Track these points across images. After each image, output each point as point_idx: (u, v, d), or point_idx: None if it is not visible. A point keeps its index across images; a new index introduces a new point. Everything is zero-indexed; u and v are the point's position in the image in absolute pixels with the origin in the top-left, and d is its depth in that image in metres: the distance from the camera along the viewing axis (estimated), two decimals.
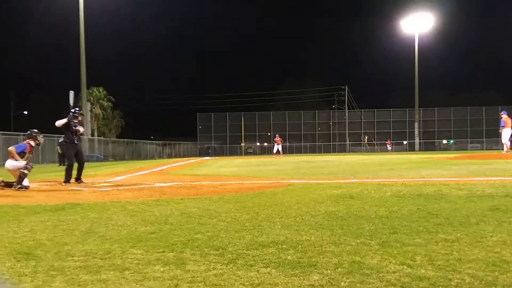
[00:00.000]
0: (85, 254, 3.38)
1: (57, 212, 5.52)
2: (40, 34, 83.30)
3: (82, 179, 10.29)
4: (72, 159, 10.18)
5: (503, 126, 21.07)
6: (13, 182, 8.85)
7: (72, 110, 10.40)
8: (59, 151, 10.10)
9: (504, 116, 21.16)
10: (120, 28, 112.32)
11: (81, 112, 10.93)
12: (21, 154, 9.18)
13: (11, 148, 9.17)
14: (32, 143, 9.47)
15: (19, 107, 69.93)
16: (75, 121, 10.26)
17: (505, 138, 21.13)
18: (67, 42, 73.04)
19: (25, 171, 8.82)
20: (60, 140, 10.51)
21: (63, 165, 10.18)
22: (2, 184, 9.02)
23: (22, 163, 8.94)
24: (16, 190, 8.57)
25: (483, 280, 2.59)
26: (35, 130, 9.79)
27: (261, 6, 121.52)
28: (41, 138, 9.70)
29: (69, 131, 10.16)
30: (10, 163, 9.03)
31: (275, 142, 34.79)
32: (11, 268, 3.05)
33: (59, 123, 10.11)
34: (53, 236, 4.07)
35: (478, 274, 2.69)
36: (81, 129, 10.36)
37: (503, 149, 22.88)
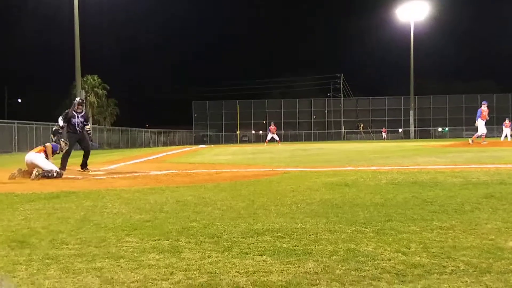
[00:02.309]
0: (80, 242, 3.37)
1: (51, 200, 5.50)
2: (34, 23, 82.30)
3: (88, 168, 10.45)
4: (70, 148, 10.29)
5: (479, 117, 20.45)
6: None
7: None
8: (53, 140, 10.05)
9: (483, 107, 20.53)
10: (115, 16, 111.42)
11: (80, 100, 10.88)
12: (53, 154, 9.06)
13: (48, 144, 8.89)
14: (62, 145, 9.52)
15: (14, 97, 69.31)
16: (76, 112, 10.46)
17: (482, 129, 20.59)
18: (61, 30, 72.27)
19: (49, 175, 8.37)
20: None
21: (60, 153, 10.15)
22: (18, 173, 8.41)
23: (50, 166, 8.57)
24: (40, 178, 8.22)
25: (478, 267, 2.60)
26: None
27: None
28: (63, 143, 9.75)
29: (70, 123, 10.41)
30: (39, 158, 8.53)
31: (270, 130, 34.72)
32: (6, 256, 3.04)
33: (60, 122, 10.33)
34: (47, 224, 4.05)
35: (472, 261, 2.70)
36: (79, 121, 10.44)
37: (500, 137, 22.77)
